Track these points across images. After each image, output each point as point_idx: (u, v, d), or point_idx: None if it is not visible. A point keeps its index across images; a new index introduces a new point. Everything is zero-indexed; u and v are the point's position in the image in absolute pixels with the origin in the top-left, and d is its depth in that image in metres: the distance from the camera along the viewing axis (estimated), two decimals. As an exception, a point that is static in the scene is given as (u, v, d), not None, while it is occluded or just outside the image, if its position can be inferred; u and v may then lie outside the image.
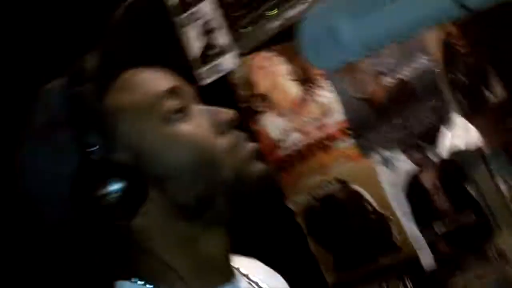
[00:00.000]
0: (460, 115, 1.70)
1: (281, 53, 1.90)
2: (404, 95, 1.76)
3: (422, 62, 1.72)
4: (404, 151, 1.80)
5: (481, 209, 1.71)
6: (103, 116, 0.84)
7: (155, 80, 0.88)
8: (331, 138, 1.88)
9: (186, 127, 0.86)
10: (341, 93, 1.84)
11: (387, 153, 1.82)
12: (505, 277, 1.47)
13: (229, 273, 0.91)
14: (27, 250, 1.60)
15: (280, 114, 1.92)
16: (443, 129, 1.72)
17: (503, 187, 1.69)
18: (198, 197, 0.84)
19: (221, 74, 1.92)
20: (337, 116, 1.87)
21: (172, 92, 0.87)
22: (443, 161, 1.74)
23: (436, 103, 1.72)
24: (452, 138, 1.70)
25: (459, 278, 1.59)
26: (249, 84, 1.93)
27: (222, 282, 0.88)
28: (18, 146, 0.88)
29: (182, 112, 0.86)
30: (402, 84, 1.76)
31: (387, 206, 1.84)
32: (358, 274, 1.88)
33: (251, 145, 0.90)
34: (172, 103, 0.86)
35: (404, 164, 1.80)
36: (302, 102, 1.90)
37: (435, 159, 1.75)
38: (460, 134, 1.69)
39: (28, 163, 0.85)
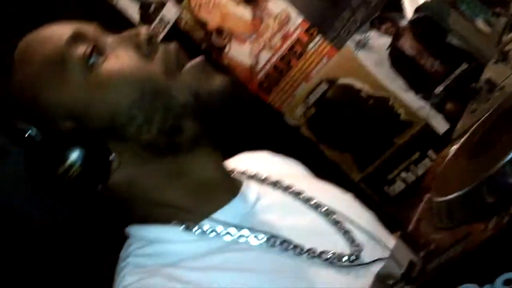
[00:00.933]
0: (412, -30, 1.57)
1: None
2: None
3: None
4: (374, 27, 1.69)
5: (469, 53, 1.60)
6: (19, 96, 0.79)
7: (51, 37, 0.79)
8: (299, 43, 1.79)
9: (109, 65, 0.77)
10: (290, -4, 1.74)
11: (359, 36, 1.71)
12: (493, 102, 1.37)
13: (233, 186, 0.85)
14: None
15: (242, 41, 1.83)
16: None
17: (480, 24, 1.56)
18: (162, 130, 0.77)
19: (168, 26, 1.84)
20: (296, 20, 1.76)
21: (75, 38, 0.78)
22: (414, 22, 1.63)
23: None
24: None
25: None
26: (200, 24, 1.85)
27: (229, 198, 0.83)
28: None
29: (97, 53, 0.78)
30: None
31: (382, 87, 1.76)
32: (381, 163, 1.82)
33: (196, 60, 0.80)
34: (81, 49, 0.77)
35: (379, 40, 1.70)
36: (257, 21, 1.81)
37: (406, 24, 1.64)
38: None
39: None
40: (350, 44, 1.73)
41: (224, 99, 0.78)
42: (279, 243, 0.78)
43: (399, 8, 1.61)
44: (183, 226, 0.79)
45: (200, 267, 0.75)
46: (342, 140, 1.85)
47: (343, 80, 1.79)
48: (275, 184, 0.91)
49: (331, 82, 1.80)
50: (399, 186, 1.82)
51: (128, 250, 0.81)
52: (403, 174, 1.81)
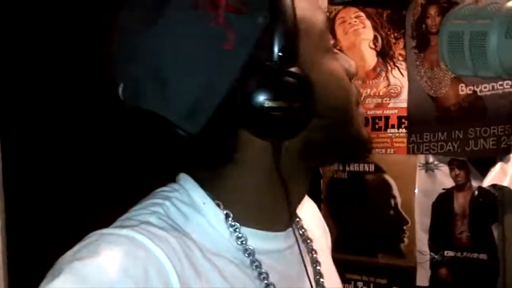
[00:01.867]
0: (518, 154, 1.58)
1: (370, 16, 1.79)
2: (474, 110, 1.65)
3: (504, 85, 1.59)
4: (450, 165, 1.69)
5: (496, 253, 1.61)
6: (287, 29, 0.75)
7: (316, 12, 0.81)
8: (385, 120, 1.79)
9: (336, 65, 0.80)
10: (413, 81, 1.74)
11: (433, 159, 1.72)
12: None
13: (287, 223, 0.84)
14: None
15: (348, 78, 1.84)
16: (496, 159, 1.60)
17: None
18: (330, 140, 0.79)
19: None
20: (400, 102, 1.77)
21: (327, 28, 0.81)
22: (482, 191, 1.63)
23: (501, 132, 1.60)
24: (500, 171, 1.58)
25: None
26: (332, 36, 1.85)
27: (278, 229, 0.83)
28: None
29: (333, 51, 0.81)
30: (476, 99, 1.64)
31: (410, 210, 1.76)
32: (351, 260, 1.82)
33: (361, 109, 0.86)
34: (329, 39, 0.81)
35: (444, 177, 1.71)
36: (372, 73, 1.81)
37: (475, 185, 1.65)
38: (509, 172, 1.57)
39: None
40: (420, 158, 1.74)
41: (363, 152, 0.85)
42: None
43: (482, 169, 1.62)
44: (225, 215, 0.79)
45: (210, 260, 0.76)
46: (342, 216, 1.86)
47: (388, 177, 1.80)
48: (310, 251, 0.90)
49: (379, 169, 1.81)
50: (348, 290, 1.83)
51: (171, 195, 0.81)
52: (359, 285, 1.82)
